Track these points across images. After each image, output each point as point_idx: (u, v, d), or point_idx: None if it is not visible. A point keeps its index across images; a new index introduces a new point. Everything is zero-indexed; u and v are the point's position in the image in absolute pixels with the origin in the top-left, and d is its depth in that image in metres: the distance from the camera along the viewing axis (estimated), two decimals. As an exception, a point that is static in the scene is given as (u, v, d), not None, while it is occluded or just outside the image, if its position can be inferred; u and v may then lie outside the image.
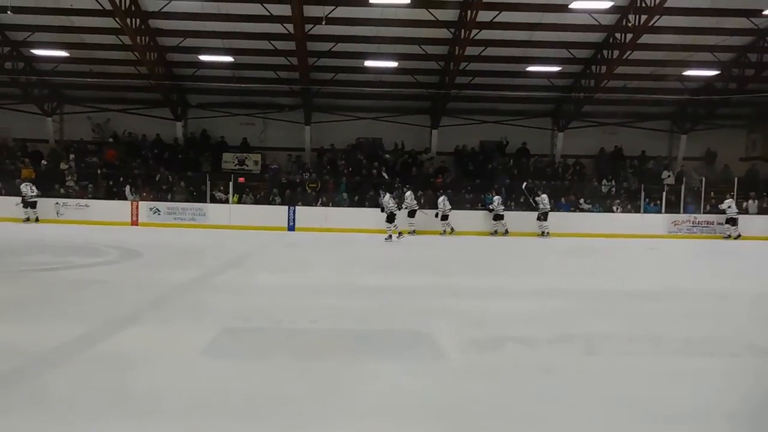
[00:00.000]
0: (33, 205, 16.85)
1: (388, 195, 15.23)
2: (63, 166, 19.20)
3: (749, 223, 17.75)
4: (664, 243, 16.34)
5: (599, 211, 18.85)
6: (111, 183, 18.42)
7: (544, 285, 7.60)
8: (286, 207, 17.65)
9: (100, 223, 16.75)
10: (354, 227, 17.17)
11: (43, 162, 19.32)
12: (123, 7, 15.26)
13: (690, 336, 5.02)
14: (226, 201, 17.63)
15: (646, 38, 16.05)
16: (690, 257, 13.40)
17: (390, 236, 14.52)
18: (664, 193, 18.72)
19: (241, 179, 17.73)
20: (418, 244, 14.02)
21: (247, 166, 20.02)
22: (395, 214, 14.99)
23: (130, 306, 5.61)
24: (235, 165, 19.86)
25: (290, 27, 16.00)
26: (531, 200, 17.42)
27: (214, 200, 17.82)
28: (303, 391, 3.37)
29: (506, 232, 16.97)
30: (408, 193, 16.53)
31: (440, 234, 16.69)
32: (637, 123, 21.23)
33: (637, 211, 18.75)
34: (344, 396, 3.32)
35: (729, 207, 17.21)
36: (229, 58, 17.98)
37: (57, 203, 17.47)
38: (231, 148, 20.57)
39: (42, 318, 4.98)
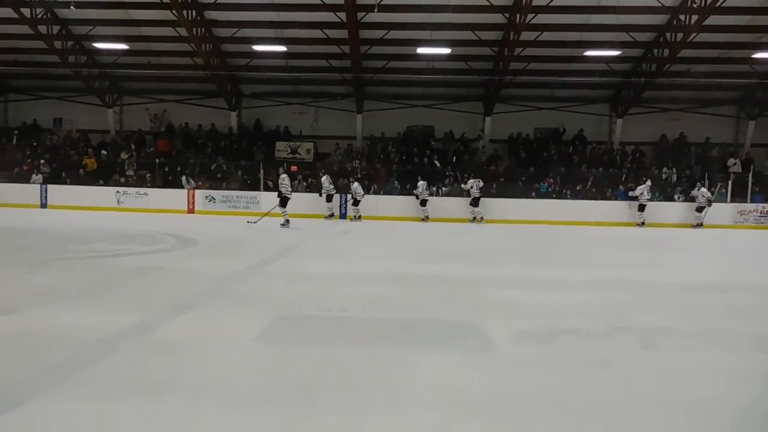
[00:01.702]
0: None
1: (356, 183, 16.61)
2: (123, 156, 19.99)
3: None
4: (730, 234, 15.64)
5: (660, 200, 18.20)
6: (167, 171, 19.03)
7: (599, 276, 7.42)
8: (338, 195, 17.82)
9: (158, 211, 17.40)
10: (405, 215, 17.21)
11: (104, 152, 20.16)
12: (179, 0, 15.68)
13: (752, 332, 4.81)
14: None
15: (712, 19, 15.32)
16: (757, 249, 12.77)
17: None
18: (730, 182, 17.89)
19: (294, 167, 17.98)
20: (470, 232, 13.91)
21: (300, 154, 20.33)
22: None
23: (186, 293, 5.81)
24: (288, 153, 20.21)
25: (342, 15, 16.08)
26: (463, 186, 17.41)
27: (267, 188, 18.17)
28: (353, 380, 3.42)
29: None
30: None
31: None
32: (701, 108, 20.33)
33: (701, 199, 17.98)
34: (394, 386, 3.34)
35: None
36: (282, 48, 18.22)
37: (117, 192, 18.24)
38: (284, 136, 20.91)
39: (103, 304, 5.21)
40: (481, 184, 17.13)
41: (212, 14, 17.33)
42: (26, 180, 18.93)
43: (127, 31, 18.02)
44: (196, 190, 18.25)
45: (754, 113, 20.15)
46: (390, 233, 13.66)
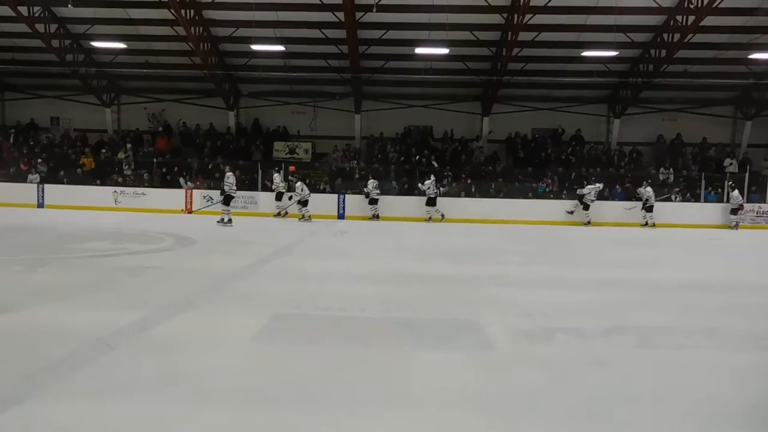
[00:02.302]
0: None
1: (300, 182, 16.41)
2: (121, 155, 19.95)
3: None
4: (726, 233, 15.68)
5: (657, 200, 18.23)
6: (165, 171, 19.01)
7: (597, 275, 7.42)
8: (336, 195, 17.83)
9: (155, 211, 17.37)
10: (403, 215, 17.22)
11: (103, 151, 20.12)
12: (177, -1, 15.66)
13: (750, 330, 4.81)
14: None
15: (709, 20, 15.37)
16: (753, 249, 12.81)
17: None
18: (726, 182, 17.94)
19: (292, 167, 17.98)
20: (468, 232, 13.91)
21: (298, 154, 20.32)
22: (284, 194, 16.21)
23: (184, 292, 5.79)
24: (286, 153, 20.21)
25: (341, 15, 16.07)
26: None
27: (265, 188, 18.16)
28: (351, 379, 3.41)
29: (442, 217, 16.87)
30: (298, 183, 16.48)
31: (426, 221, 16.94)
32: (698, 109, 20.38)
33: (697, 200, 18.07)
34: (392, 384, 3.33)
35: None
36: (280, 47, 18.21)
37: (115, 191, 18.21)
38: (282, 136, 20.89)
39: (101, 303, 5.19)
40: (435, 182, 17.15)
41: (210, 13, 17.31)
42: (23, 179, 18.88)
43: (125, 29, 17.98)
44: (193, 190, 18.23)
45: (750, 113, 20.21)
46: (388, 233, 13.65)
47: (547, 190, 18.55)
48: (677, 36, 16.05)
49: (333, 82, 20.07)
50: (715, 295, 6.38)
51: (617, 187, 18.39)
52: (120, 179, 19.09)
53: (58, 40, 18.28)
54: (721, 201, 17.90)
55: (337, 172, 19.17)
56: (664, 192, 17.69)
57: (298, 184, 16.44)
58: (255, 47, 18.35)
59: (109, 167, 19.54)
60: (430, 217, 17.10)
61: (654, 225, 16.77)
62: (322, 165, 19.87)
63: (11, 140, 20.80)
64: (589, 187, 17.14)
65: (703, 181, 17.90)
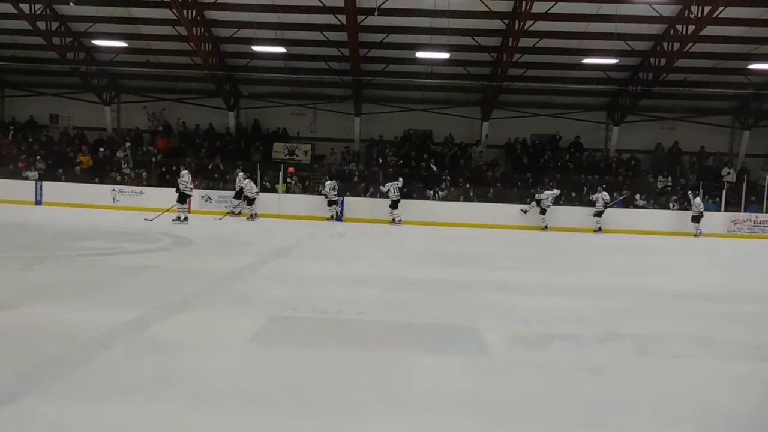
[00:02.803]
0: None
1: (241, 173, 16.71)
2: (120, 154, 19.92)
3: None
4: (723, 242, 15.71)
5: (654, 208, 18.29)
6: (164, 170, 18.99)
7: (594, 282, 7.43)
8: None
9: (154, 210, 17.30)
10: (402, 219, 17.21)
11: (101, 149, 20.09)
12: (179, -1, 15.66)
13: (747, 340, 4.81)
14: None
15: (708, 30, 15.44)
16: (750, 258, 12.83)
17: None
18: (724, 191, 17.99)
19: (291, 169, 17.97)
20: (466, 237, 13.92)
21: (297, 156, 20.31)
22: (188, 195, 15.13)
23: (182, 292, 5.77)
24: (286, 155, 20.20)
25: (342, 18, 16.09)
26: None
27: (264, 189, 18.14)
28: (347, 382, 3.40)
29: (399, 221, 16.98)
30: (246, 181, 16.52)
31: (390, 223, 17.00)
32: (696, 118, 20.45)
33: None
34: (388, 388, 3.33)
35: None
36: (281, 49, 18.22)
37: (113, 190, 18.18)
38: (282, 137, 20.89)
39: (97, 302, 5.18)
40: (400, 185, 17.15)
41: (212, 14, 17.31)
42: (21, 176, 18.84)
43: (126, 28, 17.98)
44: (192, 190, 18.17)
45: (748, 123, 20.28)
46: (386, 236, 13.64)
47: (620, 198, 18.52)
48: (677, 45, 16.11)
49: (333, 84, 20.09)
50: (712, 303, 6.39)
51: (615, 194, 18.42)
52: (119, 177, 19.06)
53: (59, 38, 18.26)
54: (719, 210, 17.94)
55: (335, 174, 19.15)
56: (614, 197, 17.73)
57: (246, 181, 16.34)
58: (256, 48, 18.37)
59: (108, 165, 19.50)
60: (393, 219, 17.11)
61: (600, 230, 16.95)
62: (321, 167, 19.87)
63: (10, 137, 20.75)
64: (547, 192, 17.32)
65: (701, 190, 17.94)
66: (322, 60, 18.85)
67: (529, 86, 19.38)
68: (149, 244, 9.68)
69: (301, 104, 21.26)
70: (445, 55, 17.81)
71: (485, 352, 4.14)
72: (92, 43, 18.84)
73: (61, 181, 18.75)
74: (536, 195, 17.48)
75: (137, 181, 19.06)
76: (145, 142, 21.00)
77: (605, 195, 17.15)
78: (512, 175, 19.59)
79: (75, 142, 20.92)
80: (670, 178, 19.42)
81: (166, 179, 19.15)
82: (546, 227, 17.11)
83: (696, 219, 16.91)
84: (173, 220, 13.84)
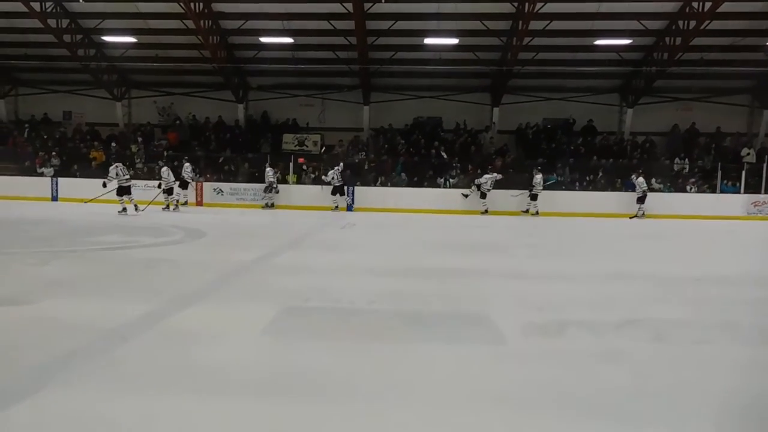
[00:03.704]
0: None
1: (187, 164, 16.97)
2: (134, 149, 20.05)
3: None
4: (743, 225, 15.49)
5: (671, 191, 18.07)
6: (176, 164, 19.07)
7: (610, 268, 7.34)
8: (345, 187, 17.79)
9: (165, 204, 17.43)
10: (412, 207, 17.19)
11: (113, 145, 20.24)
12: (186, -9, 15.66)
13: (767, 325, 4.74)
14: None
15: (725, 6, 15.12)
16: (770, 240, 12.65)
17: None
18: (744, 172, 17.71)
19: (301, 159, 17.97)
20: (478, 225, 13.86)
21: (307, 146, 20.31)
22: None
23: (195, 284, 5.81)
24: (295, 146, 20.21)
25: (349, 6, 16.00)
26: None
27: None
28: (361, 372, 3.40)
29: (336, 208, 17.10)
30: (164, 169, 16.25)
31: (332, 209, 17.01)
32: (714, 98, 20.10)
33: (713, 191, 17.85)
34: (403, 378, 3.32)
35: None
36: (288, 39, 18.18)
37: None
38: (292, 128, 20.90)
39: (113, 295, 5.23)
40: (341, 169, 17.24)
41: (219, 6, 17.30)
42: (37, 173, 19.05)
43: (135, 24, 18.04)
44: (204, 183, 18.29)
45: (767, 102, 19.91)
46: (397, 225, 13.62)
47: (559, 180, 18.40)
48: (693, 23, 15.80)
49: (341, 73, 20.02)
50: (731, 288, 6.30)
51: (633, 177, 18.21)
52: (132, 172, 19.17)
53: (70, 35, 18.37)
54: (739, 192, 17.68)
55: (345, 164, 19.13)
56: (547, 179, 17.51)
57: (164, 169, 16.08)
58: (264, 39, 18.35)
59: (121, 160, 19.60)
60: (336, 206, 17.14)
61: (537, 213, 16.82)
62: (331, 157, 19.85)
63: (25, 135, 21.01)
64: (486, 176, 17.24)
65: (720, 172, 17.68)
66: (330, 49, 18.77)
67: (539, 70, 19.17)
68: (163, 237, 9.75)
69: (309, 94, 21.23)
70: (454, 41, 17.65)
71: (500, 340, 4.11)
72: (102, 40, 18.95)
73: (75, 177, 18.92)
74: (476, 180, 17.42)
75: (150, 175, 19.17)
76: (156, 137, 21.11)
77: (539, 178, 17.00)
78: (524, 160, 19.42)
79: (87, 138, 21.09)
80: (686, 160, 19.15)
81: (178, 173, 19.25)
82: (486, 211, 17.05)
83: (640, 200, 16.77)
84: (119, 212, 13.98)
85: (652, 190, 17.81)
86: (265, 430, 2.69)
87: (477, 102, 20.73)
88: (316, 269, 6.83)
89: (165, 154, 19.76)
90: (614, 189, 18.14)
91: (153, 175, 19.15)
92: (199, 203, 18.01)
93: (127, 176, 14.54)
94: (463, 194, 17.44)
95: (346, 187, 17.43)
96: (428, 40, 17.65)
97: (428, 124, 20.90)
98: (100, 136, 21.13)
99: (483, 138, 20.39)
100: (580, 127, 20.44)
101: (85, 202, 14.31)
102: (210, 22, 17.52)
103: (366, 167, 18.82)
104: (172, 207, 15.97)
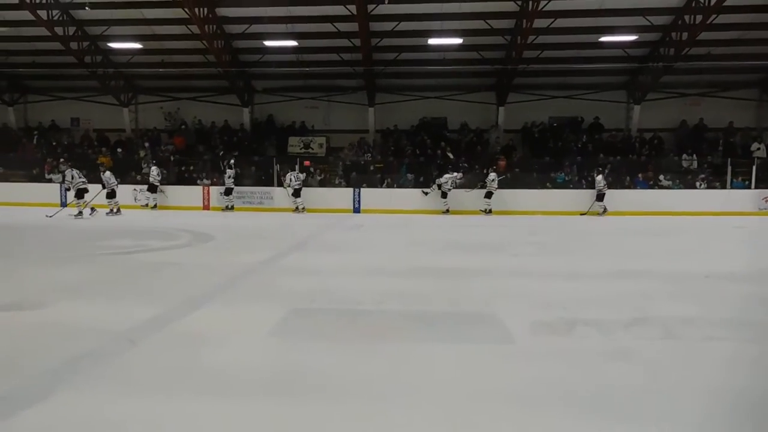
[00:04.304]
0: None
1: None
2: (141, 153, 20.17)
3: None
4: (753, 221, 15.36)
5: (680, 188, 17.94)
6: (183, 168, 19.19)
7: (618, 266, 7.31)
8: (352, 189, 17.82)
9: (174, 208, 17.53)
10: (418, 208, 17.17)
11: (119, 150, 20.40)
12: (191, -3, 15.73)
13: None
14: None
15: (731, 0, 14.97)
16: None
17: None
18: (755, 167, 17.55)
19: (307, 162, 18.00)
20: (484, 224, 13.83)
21: (312, 149, 20.33)
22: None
23: (203, 287, 5.83)
24: (301, 148, 20.23)
25: (352, 8, 15.99)
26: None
27: (281, 184, 18.23)
28: (369, 373, 3.40)
29: (303, 209, 17.13)
30: (107, 173, 15.99)
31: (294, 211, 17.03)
32: (721, 93, 19.93)
33: (723, 186, 17.70)
34: (411, 378, 3.32)
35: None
36: (292, 43, 18.20)
37: (134, 189, 18.40)
38: (296, 131, 20.93)
39: (122, 299, 5.26)
40: (301, 173, 17.43)
41: (223, 11, 17.35)
42: (46, 179, 19.20)
43: (140, 30, 18.12)
44: (210, 187, 18.36)
45: (776, 96, 19.75)
46: (403, 226, 13.61)
47: (567, 179, 18.33)
48: (699, 18, 15.68)
49: (346, 75, 20.02)
50: (741, 284, 6.25)
51: (639, 176, 18.11)
52: (139, 177, 19.31)
53: (77, 43, 18.48)
54: (749, 187, 17.53)
55: (351, 166, 19.16)
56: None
57: (107, 173, 15.87)
58: (268, 43, 18.37)
59: (128, 165, 19.75)
60: (296, 207, 17.27)
61: (490, 211, 16.82)
62: (336, 159, 19.88)
63: (34, 142, 21.18)
64: (447, 176, 17.22)
65: (729, 167, 17.54)
66: (334, 51, 18.78)
67: (544, 68, 19.09)
68: (171, 241, 9.79)
69: (314, 97, 21.24)
70: (458, 41, 17.62)
71: (507, 339, 4.10)
72: (108, 46, 19.05)
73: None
74: (437, 180, 17.41)
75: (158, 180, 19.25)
76: (162, 141, 21.23)
77: (493, 175, 17.05)
78: (530, 159, 19.35)
79: (95, 143, 21.24)
80: (695, 155, 19.00)
81: (185, 177, 19.37)
82: (447, 210, 17.03)
83: (600, 197, 16.70)
84: (75, 216, 14.04)
85: (660, 186, 17.71)
86: (272, 431, 2.69)
87: (482, 101, 20.68)
88: (323, 270, 6.84)
89: (171, 159, 19.88)
90: (622, 186, 18.04)
91: (162, 179, 19.26)
92: (206, 207, 18.07)
93: (83, 179, 14.74)
94: (423, 191, 17.46)
95: (352, 189, 17.45)
96: (432, 41, 17.63)
97: (433, 125, 20.86)
98: (108, 142, 21.26)
99: (489, 137, 20.34)
100: (586, 125, 20.34)
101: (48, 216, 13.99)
102: (214, 26, 17.58)
103: (372, 168, 18.80)
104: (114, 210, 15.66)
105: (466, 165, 18.69)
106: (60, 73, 20.54)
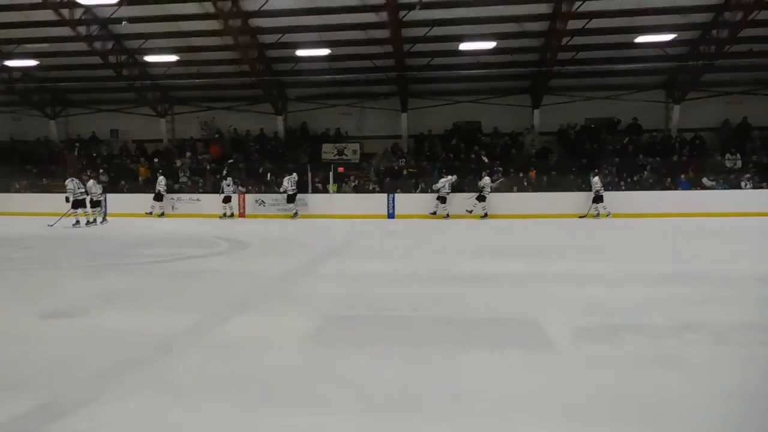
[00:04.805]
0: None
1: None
2: (178, 162, 20.59)
3: None
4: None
5: (725, 188, 17.41)
6: (218, 177, 19.53)
7: (662, 269, 7.08)
8: (386, 195, 17.82)
9: (211, 216, 17.81)
10: (452, 213, 17.06)
11: (156, 160, 20.86)
12: (225, 9, 16.02)
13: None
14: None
15: (773, -6, 14.50)
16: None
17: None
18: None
19: (341, 169, 18.08)
20: (520, 229, 13.64)
21: (346, 155, 20.44)
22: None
23: (240, 295, 5.87)
24: (335, 155, 20.36)
25: (384, 15, 16.04)
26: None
27: (315, 191, 18.35)
28: (408, 381, 3.34)
29: (232, 215, 17.43)
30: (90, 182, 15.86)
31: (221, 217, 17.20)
32: (765, 90, 19.30)
33: (770, 186, 17.12)
34: (450, 386, 3.25)
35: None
36: (325, 51, 18.35)
37: (172, 198, 18.78)
38: (330, 138, 21.08)
39: (159, 307, 5.32)
40: (296, 178, 17.58)
41: (257, 21, 17.61)
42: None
43: (176, 42, 18.55)
44: (246, 194, 18.60)
45: (822, 92, 19.03)
46: (439, 231, 13.52)
47: (605, 181, 17.95)
48: (740, 14, 15.23)
49: (378, 81, 20.09)
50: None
51: (682, 176, 17.63)
52: (176, 186, 19.70)
53: (115, 56, 19.02)
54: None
55: (385, 171, 19.17)
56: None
57: (90, 182, 15.82)
58: (300, 52, 18.56)
59: (165, 175, 20.15)
60: (230, 214, 17.60)
61: (486, 215, 16.65)
62: (370, 165, 19.92)
63: (75, 153, 21.85)
64: (442, 180, 17.00)
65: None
66: (366, 58, 18.87)
67: (580, 69, 18.83)
68: (208, 249, 9.92)
69: (347, 104, 21.38)
70: (491, 44, 17.50)
71: (548, 346, 3.99)
72: (145, 59, 19.53)
73: (123, 192, 19.52)
74: (433, 186, 17.37)
75: (194, 189, 19.62)
76: (198, 151, 21.62)
77: (487, 180, 16.91)
78: (566, 161, 19.06)
79: (133, 154, 21.79)
80: (739, 155, 18.42)
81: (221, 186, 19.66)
82: (447, 215, 16.94)
83: (597, 199, 16.39)
84: (49, 225, 14.24)
85: (703, 187, 17.21)
86: (312, 440, 2.66)
87: (517, 104, 20.49)
88: (359, 276, 6.81)
89: (207, 167, 20.22)
90: (663, 188, 17.60)
91: (196, 188, 19.63)
92: (242, 215, 18.31)
93: (82, 189, 15.04)
94: (445, 215, 17.20)
95: (387, 195, 17.46)
96: (464, 45, 17.55)
97: (467, 129, 20.74)
98: (146, 152, 21.78)
99: (524, 140, 20.11)
100: (624, 126, 19.94)
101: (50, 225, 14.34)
102: (249, 37, 17.87)
103: (405, 173, 18.78)
104: (98, 218, 15.68)
105: (500, 169, 18.51)
106: (99, 86, 21.17)
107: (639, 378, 3.32)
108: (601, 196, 16.50)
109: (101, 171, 20.26)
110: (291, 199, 17.47)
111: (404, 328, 4.46)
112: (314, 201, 18.09)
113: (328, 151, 20.62)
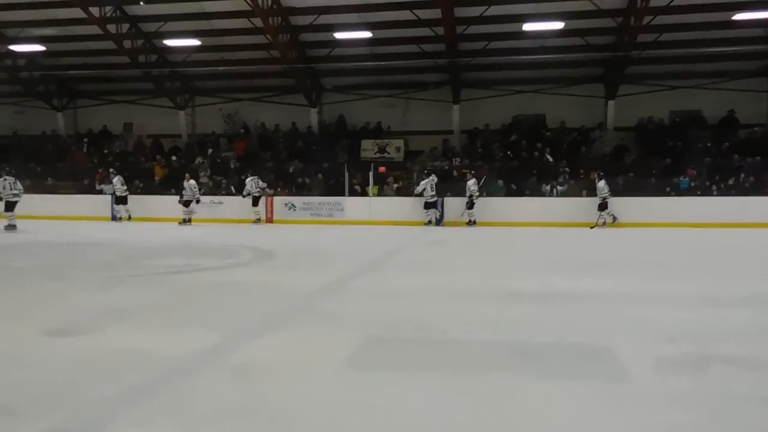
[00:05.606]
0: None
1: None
2: (199, 160, 20.95)
3: None
4: None
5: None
6: (243, 177, 19.84)
7: (755, 289, 6.90)
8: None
9: (234, 221, 18.13)
10: (511, 221, 16.93)
11: (174, 158, 21.26)
12: (253, -14, 16.31)
13: None
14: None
15: None
16: None
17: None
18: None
19: (382, 168, 18.18)
20: (591, 239, 13.43)
21: (389, 153, 20.51)
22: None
23: (265, 312, 5.97)
24: (375, 153, 20.46)
25: (434, -9, 16.09)
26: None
27: (353, 193, 18.46)
28: (458, 413, 3.35)
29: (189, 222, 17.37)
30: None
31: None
32: None
33: None
34: (506, 421, 3.24)
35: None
36: (366, 34, 18.49)
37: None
38: (370, 133, 21.17)
39: (176, 324, 5.46)
40: (264, 184, 18.02)
41: (289, 1, 17.88)
42: (96, 190, 20.29)
43: (199, 25, 18.94)
44: (274, 197, 18.84)
45: None
46: (494, 241, 13.45)
47: (693, 185, 17.53)
48: None
49: (427, 69, 20.13)
50: None
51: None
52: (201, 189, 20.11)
53: (130, 41, 19.54)
54: None
55: (433, 172, 19.16)
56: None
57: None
58: (338, 35, 18.75)
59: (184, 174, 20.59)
60: (429, 221, 17.40)
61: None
62: (415, 164, 19.93)
63: (84, 149, 22.42)
64: (422, 183, 16.96)
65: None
66: (413, 42, 18.94)
67: (664, 53, 18.45)
68: (229, 259, 10.12)
69: (390, 95, 21.48)
70: (559, 25, 17.35)
71: (623, 378, 3.94)
72: (164, 44, 20.00)
73: (137, 193, 19.97)
74: (414, 190, 17.57)
75: (215, 190, 19.96)
76: (221, 147, 21.97)
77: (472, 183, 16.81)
78: (647, 161, 18.69)
79: (147, 151, 22.24)
80: None
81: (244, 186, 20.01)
82: (434, 222, 17.08)
83: (602, 207, 16.18)
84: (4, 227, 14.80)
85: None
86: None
87: (588, 95, 20.24)
88: (402, 293, 6.84)
89: (232, 166, 20.59)
90: (763, 193, 17.05)
91: (219, 189, 20.00)
92: (269, 220, 18.57)
93: (15, 191, 15.40)
94: (427, 221, 17.48)
95: (438, 201, 17.51)
96: (527, 26, 17.45)
97: (529, 123, 20.58)
98: (163, 149, 22.23)
99: (596, 136, 19.84)
100: (716, 119, 19.43)
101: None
102: (279, 18, 18.14)
103: (455, 174, 18.76)
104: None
105: (567, 170, 18.29)
106: (112, 74, 21.75)
107: (733, 419, 3.25)
108: (607, 203, 16.34)
109: (111, 170, 20.80)
110: (256, 202, 18.05)
111: (454, 353, 4.47)
112: (351, 205, 18.21)
113: (368, 148, 20.74)
